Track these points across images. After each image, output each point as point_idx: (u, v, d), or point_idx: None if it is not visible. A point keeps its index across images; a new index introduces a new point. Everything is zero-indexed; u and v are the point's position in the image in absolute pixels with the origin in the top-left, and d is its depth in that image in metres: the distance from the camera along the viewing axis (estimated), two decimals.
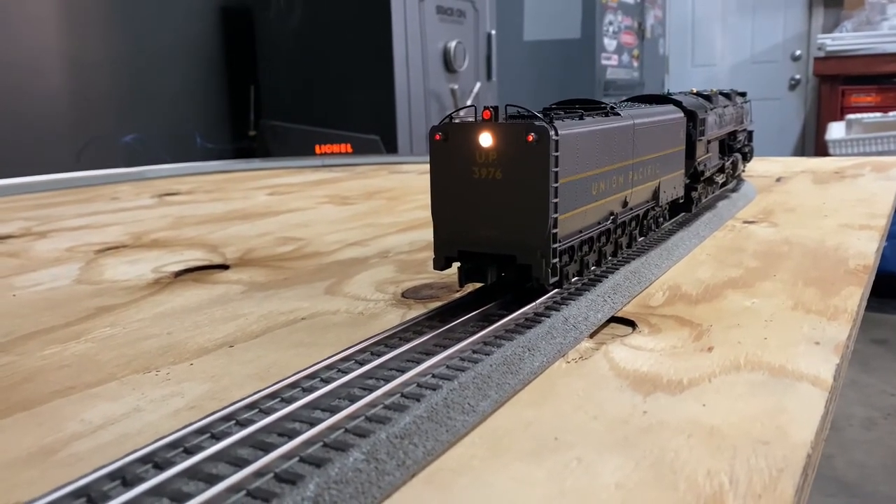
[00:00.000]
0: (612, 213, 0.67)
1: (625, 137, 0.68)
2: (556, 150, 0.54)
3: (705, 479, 0.36)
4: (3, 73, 2.06)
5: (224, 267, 0.86)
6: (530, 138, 0.53)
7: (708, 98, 1.03)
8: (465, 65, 3.10)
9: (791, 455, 0.38)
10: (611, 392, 0.47)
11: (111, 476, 0.33)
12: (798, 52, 5.21)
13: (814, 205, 1.16)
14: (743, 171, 1.28)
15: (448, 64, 3.02)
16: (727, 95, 1.17)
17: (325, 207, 1.32)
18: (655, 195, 0.79)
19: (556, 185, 0.54)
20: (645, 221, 0.80)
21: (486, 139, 0.55)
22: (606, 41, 4.28)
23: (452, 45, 3.01)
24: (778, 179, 1.48)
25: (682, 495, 0.35)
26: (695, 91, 1.05)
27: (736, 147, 1.20)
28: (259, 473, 0.33)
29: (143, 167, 1.96)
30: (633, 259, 0.73)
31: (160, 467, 0.34)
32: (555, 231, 0.55)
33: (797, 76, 5.23)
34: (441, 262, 0.59)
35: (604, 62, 4.24)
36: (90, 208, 1.40)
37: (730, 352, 0.53)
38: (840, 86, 4.40)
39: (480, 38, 3.29)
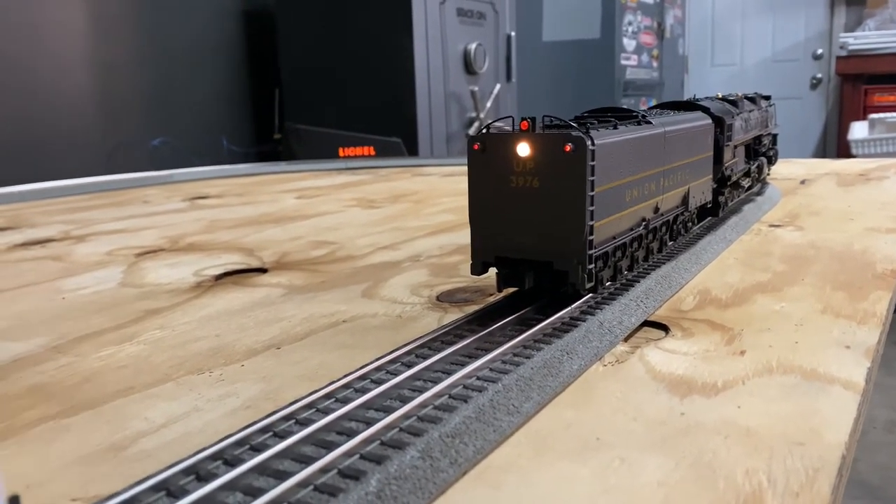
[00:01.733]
0: (644, 219, 0.69)
1: (656, 145, 0.70)
2: (593, 160, 0.56)
3: (744, 478, 0.38)
4: (34, 78, 2.11)
5: (262, 270, 0.88)
6: (568, 148, 0.55)
7: (734, 103, 1.04)
8: (486, 67, 3.12)
9: (826, 455, 0.40)
10: (648, 394, 0.48)
11: (186, 471, 0.36)
12: (820, 51, 5.16)
13: (839, 208, 1.17)
14: (768, 174, 1.29)
15: (468, 66, 3.04)
16: (752, 100, 1.18)
17: (352, 211, 1.35)
18: (685, 200, 0.81)
19: (592, 193, 0.56)
20: (675, 226, 0.81)
21: (523, 149, 0.57)
22: (626, 41, 4.28)
23: (473, 47, 3.03)
24: (802, 182, 1.48)
25: (721, 493, 0.36)
26: (720, 96, 1.07)
27: (761, 151, 1.21)
28: (324, 470, 0.36)
29: (172, 170, 1.99)
30: (664, 264, 0.74)
31: (230, 464, 0.37)
32: (591, 238, 0.57)
33: (819, 75, 5.19)
34: (478, 268, 0.61)
35: (623, 62, 4.24)
36: (124, 212, 1.44)
37: (762, 355, 0.55)
38: (863, 85, 4.36)
39: (500, 40, 3.30)
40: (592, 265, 0.58)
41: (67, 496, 0.38)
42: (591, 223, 0.56)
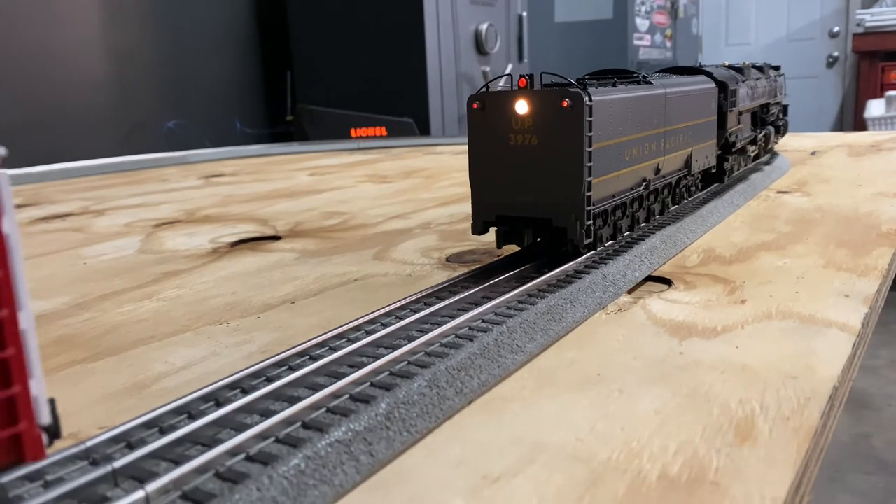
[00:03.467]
0: (644, 180, 0.70)
1: (657, 105, 0.71)
2: (590, 116, 0.56)
3: (737, 406, 0.39)
4: (52, 63, 2.14)
5: (276, 238, 0.91)
6: (565, 104, 0.56)
7: (740, 70, 1.04)
8: (497, 47, 3.12)
9: (819, 388, 0.41)
10: (648, 338, 0.50)
11: (205, 398, 0.38)
12: (836, 29, 5.09)
13: (848, 176, 1.17)
14: (776, 143, 1.29)
15: (480, 46, 3.04)
16: (760, 69, 1.18)
17: (364, 186, 1.37)
18: (688, 164, 0.81)
19: (590, 149, 0.57)
20: (677, 190, 0.82)
21: (521, 106, 0.57)
22: (639, 21, 4.25)
23: (484, 27, 3.03)
24: (813, 153, 1.48)
25: (715, 419, 0.38)
26: (727, 64, 1.07)
27: (769, 120, 1.21)
28: (335, 395, 0.38)
29: (187, 151, 2.02)
30: (669, 224, 0.76)
31: (247, 392, 0.39)
32: (589, 194, 0.58)
33: (835, 53, 5.12)
34: (479, 227, 0.62)
35: (636, 43, 4.21)
36: (141, 189, 1.47)
37: (762, 304, 0.56)
38: (880, 62, 4.31)
39: (512, 20, 3.29)
40: (591, 221, 0.58)
41: (95, 425, 0.40)
42: (589, 179, 0.57)
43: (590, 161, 0.57)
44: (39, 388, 0.23)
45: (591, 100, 0.56)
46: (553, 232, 0.59)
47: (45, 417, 0.23)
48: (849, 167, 1.27)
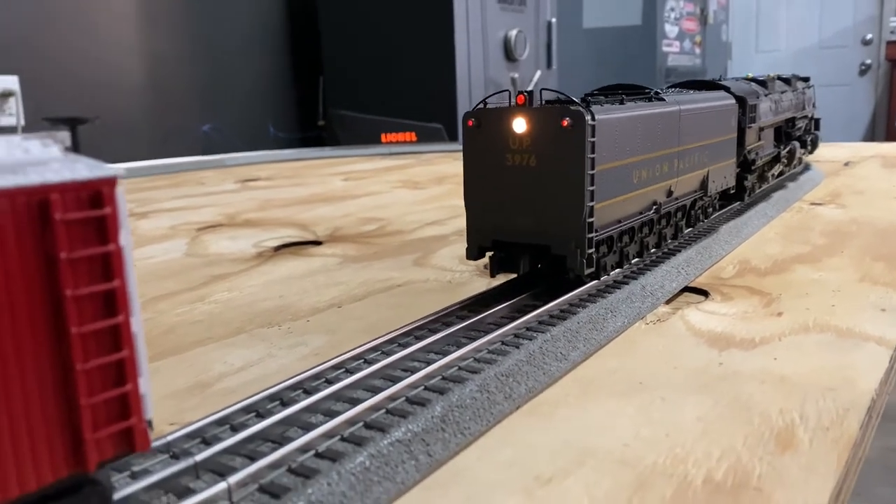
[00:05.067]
0: (655, 203, 0.65)
1: (669, 124, 0.66)
2: (593, 136, 0.52)
3: (778, 416, 0.41)
4: (92, 68, 2.20)
5: (317, 243, 0.93)
6: (565, 123, 0.51)
7: (763, 84, 1.01)
8: (526, 53, 3.13)
9: (857, 399, 0.42)
10: (688, 348, 0.51)
11: (271, 398, 0.40)
12: (869, 36, 5.03)
13: (883, 188, 1.17)
14: (802, 158, 1.25)
15: (508, 53, 3.06)
16: (787, 81, 1.15)
17: (399, 192, 1.39)
18: (704, 185, 0.77)
19: (592, 172, 0.52)
20: (692, 211, 0.77)
21: (519, 124, 0.53)
22: (668, 27, 4.24)
23: (513, 33, 3.05)
24: (846, 164, 1.48)
25: (756, 427, 0.40)
26: (750, 76, 1.04)
27: (795, 135, 1.17)
28: (392, 398, 0.40)
29: (223, 155, 2.06)
30: (704, 236, 0.77)
31: (309, 392, 0.41)
32: (591, 220, 0.53)
33: (868, 61, 5.06)
34: (474, 252, 0.58)
35: (665, 49, 4.20)
36: (181, 192, 1.51)
37: (798, 317, 0.57)
38: None
39: (541, 27, 3.31)
40: (593, 249, 0.54)
41: (165, 421, 0.43)
42: (591, 204, 0.53)
43: (592, 185, 0.53)
44: (146, 385, 0.25)
45: (593, 119, 0.52)
46: (552, 260, 0.55)
47: (150, 412, 0.26)
48: (883, 178, 1.27)
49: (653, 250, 0.69)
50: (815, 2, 5.25)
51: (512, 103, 0.54)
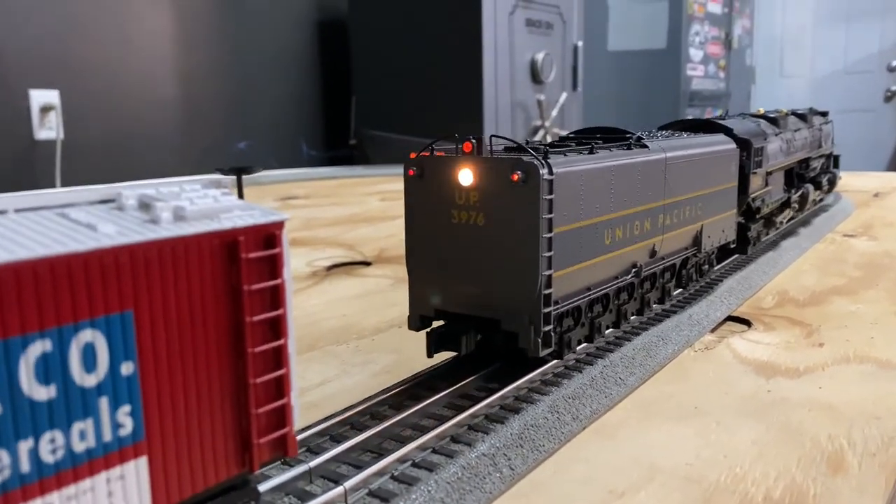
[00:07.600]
0: (635, 266, 0.57)
1: (653, 174, 0.58)
2: (550, 193, 0.45)
3: (827, 441, 0.44)
4: (126, 85, 2.27)
5: (367, 263, 0.98)
6: (515, 177, 0.44)
7: (774, 121, 0.92)
8: (552, 76, 3.19)
9: None
10: (737, 375, 0.55)
11: (361, 413, 0.44)
12: (895, 63, 5.04)
13: None
14: (818, 201, 1.16)
15: (535, 75, 3.11)
16: (802, 116, 1.06)
17: None
18: (697, 241, 0.68)
19: (549, 235, 0.45)
20: (683, 271, 0.69)
21: (465, 176, 0.46)
22: (692, 52, 4.28)
23: (540, 56, 3.10)
24: (875, 195, 1.50)
25: (808, 451, 0.43)
26: (762, 112, 0.96)
27: (808, 176, 1.07)
28: (473, 415, 0.44)
29: (259, 173, 2.12)
30: (743, 267, 0.80)
31: (396, 408, 0.45)
32: (548, 291, 0.45)
33: (893, 87, 5.06)
34: (416, 322, 0.51)
35: (689, 73, 4.24)
36: None
37: (839, 348, 0.61)
38: None
39: (567, 50, 3.36)
40: (551, 326, 0.46)
41: None
42: (548, 273, 0.45)
43: (549, 250, 0.45)
44: (295, 398, 0.30)
45: (551, 172, 0.45)
46: (504, 336, 0.47)
47: (298, 421, 0.30)
48: None
49: (632, 318, 0.60)
50: (841, 27, 5.27)
51: (459, 150, 0.47)
